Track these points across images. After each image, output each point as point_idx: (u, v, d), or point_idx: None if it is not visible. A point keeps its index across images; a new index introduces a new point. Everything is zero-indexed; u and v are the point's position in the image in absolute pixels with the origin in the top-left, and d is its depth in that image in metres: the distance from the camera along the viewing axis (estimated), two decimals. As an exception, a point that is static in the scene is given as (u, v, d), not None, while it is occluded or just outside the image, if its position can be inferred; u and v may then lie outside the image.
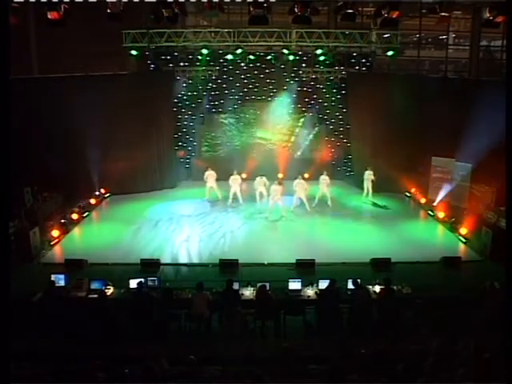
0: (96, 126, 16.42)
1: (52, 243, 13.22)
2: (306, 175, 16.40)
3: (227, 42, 17.47)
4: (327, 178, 16.56)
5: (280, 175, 17.70)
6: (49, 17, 10.48)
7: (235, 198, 16.61)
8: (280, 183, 15.49)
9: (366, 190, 17.14)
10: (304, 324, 8.98)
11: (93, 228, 15.10)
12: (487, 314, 7.73)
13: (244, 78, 19.86)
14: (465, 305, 8.58)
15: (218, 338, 8.61)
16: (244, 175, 17.01)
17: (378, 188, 17.82)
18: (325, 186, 16.48)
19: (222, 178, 16.95)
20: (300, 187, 15.74)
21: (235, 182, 16.50)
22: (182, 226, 14.77)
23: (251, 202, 16.56)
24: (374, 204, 17.05)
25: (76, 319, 8.29)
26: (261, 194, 16.23)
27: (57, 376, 5.40)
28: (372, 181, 16.90)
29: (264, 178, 16.17)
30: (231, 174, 16.58)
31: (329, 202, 16.54)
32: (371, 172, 16.92)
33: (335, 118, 20.43)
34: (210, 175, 17.01)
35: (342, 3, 11.54)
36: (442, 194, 16.62)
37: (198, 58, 18.45)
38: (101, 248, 12.94)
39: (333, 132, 20.61)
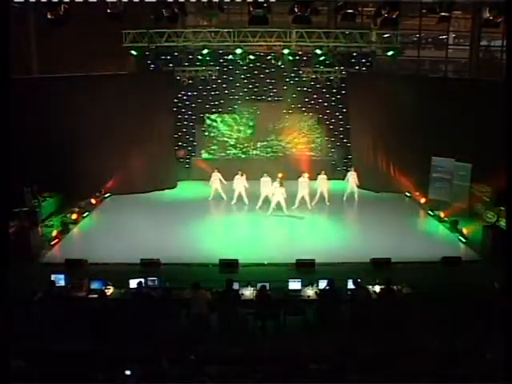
0: (96, 126, 16.46)
1: (52, 243, 13.21)
2: (306, 174, 16.43)
3: (227, 42, 17.43)
4: (325, 177, 16.56)
5: (280, 175, 17.68)
6: (49, 17, 10.48)
7: (240, 199, 16.60)
8: (281, 183, 15.49)
9: (349, 191, 16.95)
10: (304, 324, 8.98)
11: (93, 228, 15.10)
12: (487, 313, 7.74)
13: (244, 78, 19.87)
14: (465, 305, 8.57)
15: (218, 338, 8.61)
16: (245, 175, 17.00)
17: (378, 188, 17.83)
18: (324, 185, 16.47)
19: (223, 178, 16.95)
20: (303, 186, 15.80)
21: (239, 183, 16.48)
22: (182, 226, 14.75)
23: (254, 202, 16.50)
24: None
25: (76, 319, 8.30)
26: (265, 196, 16.09)
27: (57, 376, 5.40)
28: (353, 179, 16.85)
29: (269, 179, 16.13)
30: (234, 176, 16.53)
31: (327, 202, 16.54)
32: (354, 173, 16.90)
33: (335, 118, 20.43)
34: (215, 177, 16.99)
35: (341, 3, 11.53)
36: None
37: (198, 58, 18.40)
38: (101, 248, 12.93)
39: (333, 132, 20.61)
